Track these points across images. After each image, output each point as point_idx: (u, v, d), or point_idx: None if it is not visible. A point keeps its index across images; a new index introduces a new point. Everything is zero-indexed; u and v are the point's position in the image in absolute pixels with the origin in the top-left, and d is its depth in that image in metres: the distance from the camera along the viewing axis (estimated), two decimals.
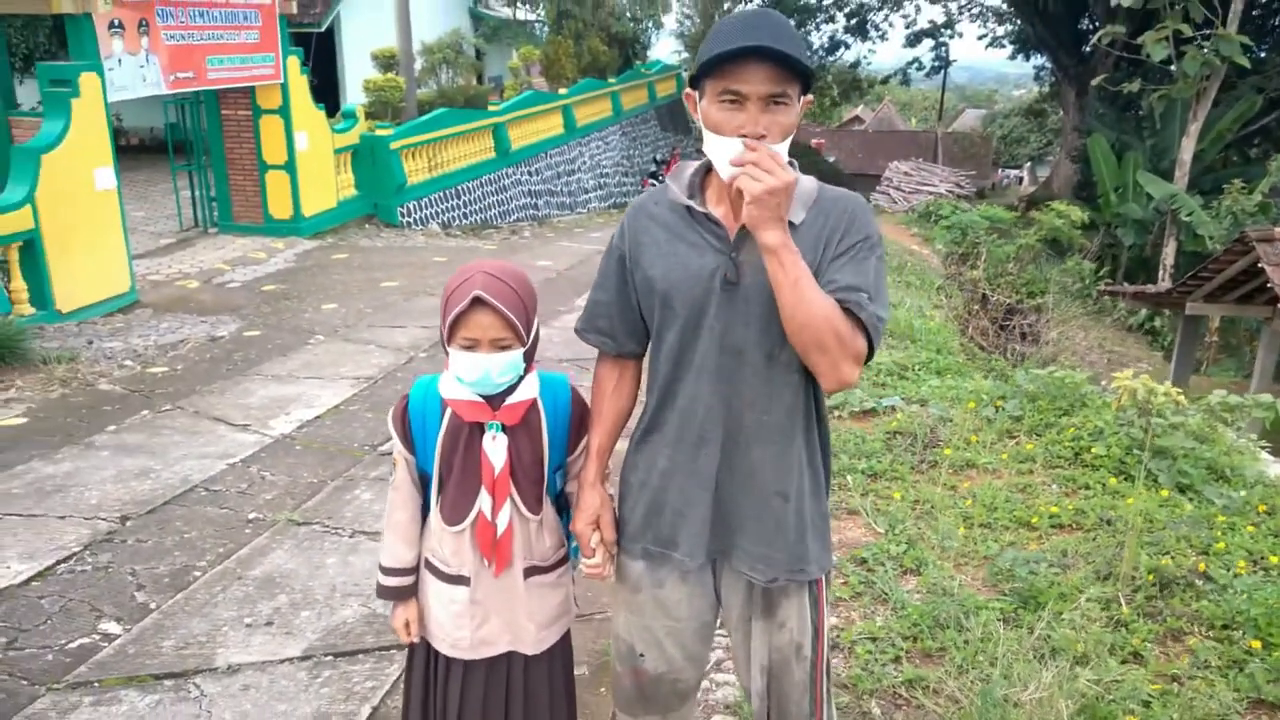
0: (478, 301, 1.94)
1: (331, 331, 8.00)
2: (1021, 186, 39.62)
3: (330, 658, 3.30)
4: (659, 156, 21.85)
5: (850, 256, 1.89)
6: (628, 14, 27.54)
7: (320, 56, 18.08)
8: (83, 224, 8.62)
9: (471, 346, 1.98)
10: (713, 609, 2.15)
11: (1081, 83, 23.86)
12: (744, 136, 1.79)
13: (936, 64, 36.56)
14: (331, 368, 6.92)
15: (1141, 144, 20.77)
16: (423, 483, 2.15)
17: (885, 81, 39.06)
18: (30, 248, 8.15)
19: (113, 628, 3.47)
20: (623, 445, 2.16)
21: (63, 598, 3.66)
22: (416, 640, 2.22)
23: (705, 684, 3.17)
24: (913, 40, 34.21)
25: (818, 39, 33.59)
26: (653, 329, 2.03)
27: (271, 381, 6.58)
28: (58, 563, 3.93)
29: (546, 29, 22.28)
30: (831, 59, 34.39)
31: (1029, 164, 44.56)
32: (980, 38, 35.07)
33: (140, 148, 18.23)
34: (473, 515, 2.08)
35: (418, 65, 15.53)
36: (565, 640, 2.31)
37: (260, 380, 6.61)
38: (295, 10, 12.03)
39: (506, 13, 23.23)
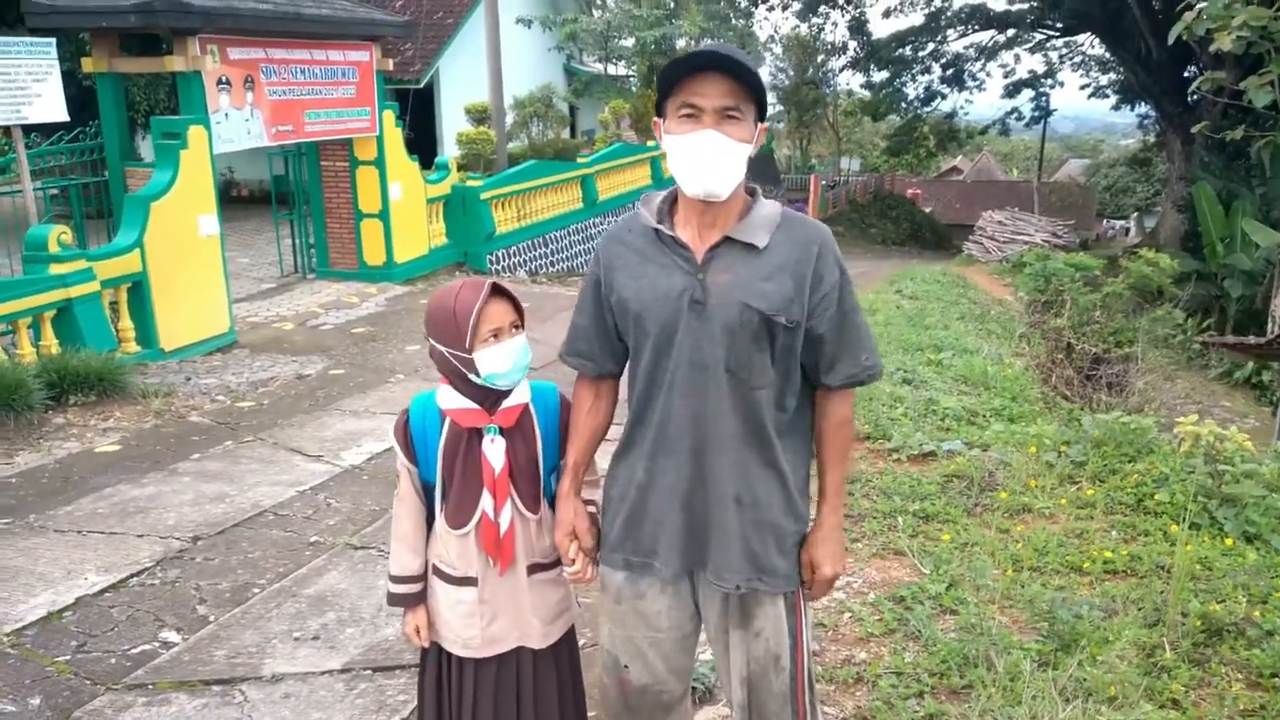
0: (495, 290, 2.12)
1: (412, 371, 8.29)
2: (1128, 237, 38.50)
3: (369, 671, 3.45)
4: None
5: (838, 309, 2.05)
6: None
7: (419, 111, 18.87)
8: (187, 268, 9.15)
9: (498, 335, 2.13)
10: (693, 620, 2.22)
11: (1187, 131, 23.20)
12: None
13: (1037, 114, 35.95)
14: (406, 404, 7.16)
15: (1250, 193, 20.02)
16: (426, 493, 2.28)
17: (984, 132, 38.54)
18: (138, 289, 8.70)
19: (172, 636, 3.69)
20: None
21: (131, 608, 3.91)
22: (427, 645, 2.34)
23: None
24: (1012, 90, 33.76)
25: (913, 90, 33.47)
26: (630, 348, 2.15)
27: (349, 416, 6.86)
28: (130, 576, 4.19)
29: (637, 83, 22.78)
30: (927, 110, 34.17)
31: (1135, 214, 43.29)
32: (1083, 87, 34.47)
33: (250, 198, 19.23)
34: (476, 517, 2.21)
35: (510, 119, 16.08)
36: (570, 636, 2.41)
37: (338, 415, 6.90)
38: (391, 67, 12.64)
39: (599, 68, 23.88)
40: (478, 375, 2.15)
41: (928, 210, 37.33)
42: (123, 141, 10.10)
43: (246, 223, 16.62)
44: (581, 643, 2.46)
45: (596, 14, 24.44)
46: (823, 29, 33.95)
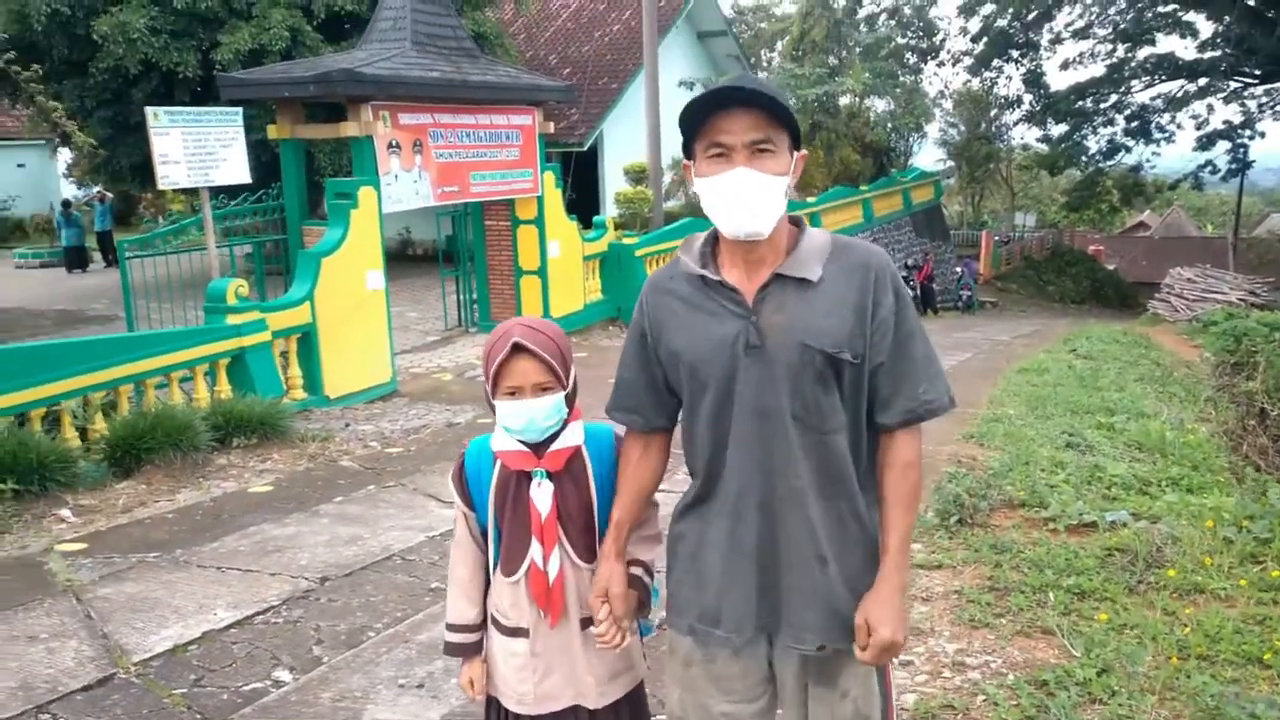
0: (517, 349, 2.02)
1: None
2: None
3: None
4: (911, 261, 21.41)
5: (895, 336, 1.90)
6: (888, 123, 27.59)
7: (582, 173, 19.40)
8: (353, 320, 9.60)
9: (515, 394, 2.04)
10: (769, 683, 2.06)
11: None
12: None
13: (1234, 167, 33.47)
14: None
15: None
16: (485, 539, 2.21)
17: (1174, 187, 36.24)
18: (306, 340, 9.18)
19: (285, 676, 3.74)
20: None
21: (251, 645, 4.00)
22: (480, 698, 2.25)
23: None
24: (1205, 143, 31.64)
25: (1094, 143, 31.90)
26: (685, 401, 2.02)
27: None
28: (256, 614, 4.31)
29: None
30: (1110, 163, 32.46)
31: None
32: None
33: (424, 257, 20.18)
34: (526, 565, 2.11)
35: (667, 179, 16.28)
36: (636, 696, 2.26)
37: None
38: (553, 130, 13.03)
39: None
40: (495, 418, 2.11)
41: (1110, 267, 35.30)
42: (302, 202, 10.77)
43: (419, 279, 17.41)
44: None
45: (762, 74, 24.60)
46: (995, 82, 32.97)
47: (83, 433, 6.82)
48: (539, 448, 2.11)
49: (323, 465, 6.97)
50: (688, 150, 1.93)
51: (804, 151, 1.95)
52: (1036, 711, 3.32)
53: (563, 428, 2.12)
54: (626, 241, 13.89)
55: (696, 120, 1.85)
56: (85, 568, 4.85)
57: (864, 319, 1.88)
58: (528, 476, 2.11)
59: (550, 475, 2.11)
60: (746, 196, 1.82)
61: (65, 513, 5.75)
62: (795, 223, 1.98)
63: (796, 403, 1.87)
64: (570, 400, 2.12)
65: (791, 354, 1.85)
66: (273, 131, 10.45)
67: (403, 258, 20.66)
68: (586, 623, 2.16)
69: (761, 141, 1.83)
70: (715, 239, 2.00)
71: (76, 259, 20.84)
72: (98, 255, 21.77)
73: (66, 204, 21.71)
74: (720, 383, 1.91)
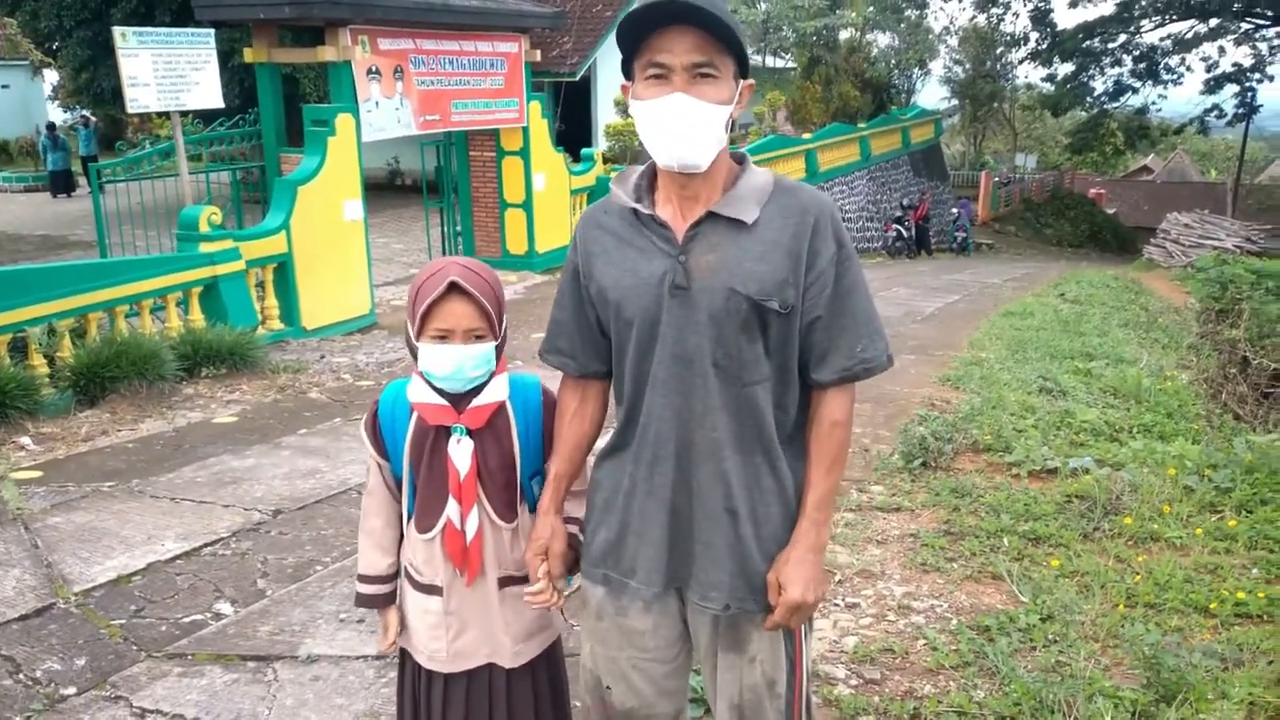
0: (453, 288, 1.90)
1: (530, 357, 8.24)
2: None
3: None
4: (907, 201, 21.16)
5: (835, 289, 1.80)
6: (890, 59, 27.10)
7: (576, 104, 19.05)
8: (330, 250, 9.47)
9: (444, 337, 1.93)
10: (683, 640, 1.99)
11: None
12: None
13: (1240, 111, 33.01)
14: None
15: None
16: (401, 488, 2.13)
17: (1179, 131, 35.74)
18: (283, 270, 9.06)
19: (225, 608, 3.72)
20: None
21: (195, 577, 3.97)
22: (386, 649, 2.20)
23: None
24: (1212, 86, 31.13)
25: (1100, 83, 31.37)
26: (613, 342, 1.92)
27: None
28: (204, 545, 4.27)
29: (797, 75, 22.27)
30: (1115, 105, 31.97)
31: None
32: None
33: (413, 187, 19.92)
34: (442, 522, 2.03)
35: None
36: (551, 654, 2.21)
37: None
38: (539, 58, 12.74)
39: (757, 60, 23.49)
40: (416, 363, 1.99)
41: (1111, 211, 35.01)
42: (279, 128, 10.57)
43: (406, 210, 17.19)
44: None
45: (762, 6, 24.09)
46: (1002, 20, 32.36)
47: (51, 361, 6.75)
48: (459, 401, 1.99)
49: (291, 397, 6.91)
50: (626, 70, 1.80)
51: (750, 81, 1.83)
52: (974, 656, 3.31)
53: (487, 380, 2.00)
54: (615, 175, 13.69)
55: (635, 36, 1.72)
56: (38, 496, 4.81)
57: (799, 267, 1.77)
58: (446, 431, 2.00)
59: (470, 432, 2.00)
60: (682, 124, 1.70)
61: (25, 440, 5.71)
62: (739, 160, 1.87)
63: (719, 350, 1.78)
64: (499, 351, 2.00)
65: (717, 298, 1.76)
66: (249, 55, 10.21)
67: (390, 188, 20.41)
68: (504, 581, 2.08)
69: (703, 65, 1.70)
70: (653, 172, 1.89)
71: (62, 183, 20.59)
72: (84, 180, 21.51)
73: (51, 127, 21.37)
74: (644, 324, 1.82)
